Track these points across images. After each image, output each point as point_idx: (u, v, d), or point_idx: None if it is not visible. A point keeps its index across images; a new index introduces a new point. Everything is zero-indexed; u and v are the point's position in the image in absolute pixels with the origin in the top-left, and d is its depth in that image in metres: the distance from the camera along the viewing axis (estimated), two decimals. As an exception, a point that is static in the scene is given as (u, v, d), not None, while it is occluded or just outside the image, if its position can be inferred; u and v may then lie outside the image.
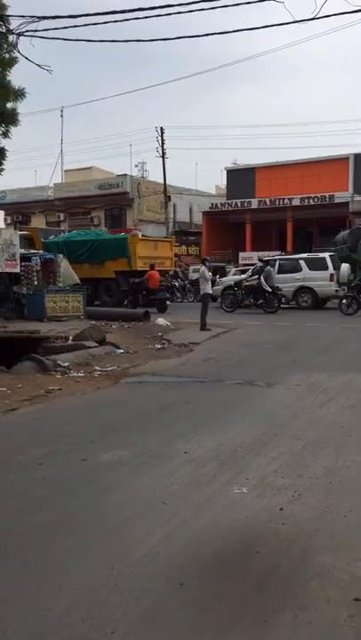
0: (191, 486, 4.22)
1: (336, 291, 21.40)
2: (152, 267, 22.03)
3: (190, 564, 3.11)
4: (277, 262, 22.58)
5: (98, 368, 9.30)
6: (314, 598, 2.78)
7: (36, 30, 10.45)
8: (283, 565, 3.09)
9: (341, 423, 5.86)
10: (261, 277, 20.27)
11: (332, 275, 21.36)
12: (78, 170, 46.26)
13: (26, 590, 2.89)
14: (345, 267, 21.98)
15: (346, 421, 5.93)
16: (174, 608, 2.72)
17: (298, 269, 21.96)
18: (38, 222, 44.52)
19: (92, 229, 32.65)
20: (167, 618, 2.65)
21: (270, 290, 20.17)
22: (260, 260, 20.77)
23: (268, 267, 20.98)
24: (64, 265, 18.96)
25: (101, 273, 23.32)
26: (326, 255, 22.20)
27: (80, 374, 8.85)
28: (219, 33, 13.25)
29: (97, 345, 11.12)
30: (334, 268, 21.52)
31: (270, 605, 2.73)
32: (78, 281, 19.41)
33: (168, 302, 21.74)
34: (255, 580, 2.95)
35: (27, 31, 10.58)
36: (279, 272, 21.87)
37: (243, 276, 23.54)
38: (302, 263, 22.15)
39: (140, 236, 24.91)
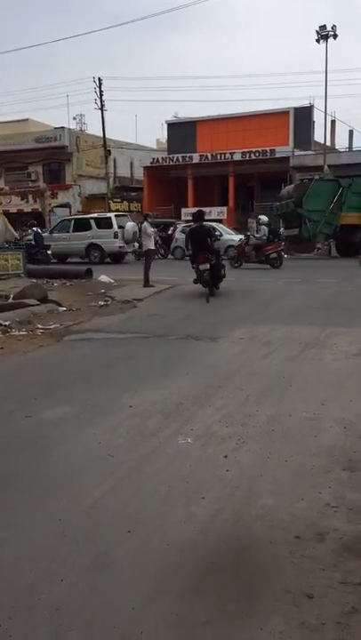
0: (136, 439, 4.26)
1: (120, 247, 24.07)
2: None
3: (136, 513, 3.17)
4: (72, 222, 25.63)
5: (40, 326, 9.16)
6: (257, 539, 2.89)
7: None
8: (227, 510, 3.18)
9: (283, 374, 6.01)
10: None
11: (115, 232, 23.84)
12: (13, 122, 44.42)
13: (-28, 546, 2.88)
14: (129, 225, 24.12)
15: (287, 372, 6.09)
16: (121, 556, 2.77)
17: (88, 227, 24.66)
18: (-28, 178, 42.85)
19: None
20: (115, 565, 2.70)
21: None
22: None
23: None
24: (1, 221, 18.41)
25: None
26: (112, 215, 25.62)
27: (22, 333, 8.70)
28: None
29: (39, 303, 10.94)
30: (119, 227, 23.89)
31: (215, 548, 2.82)
32: (17, 236, 18.93)
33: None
34: (200, 525, 3.03)
35: None
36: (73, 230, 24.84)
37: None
38: (92, 222, 24.89)
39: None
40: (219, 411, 4.84)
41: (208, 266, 12.39)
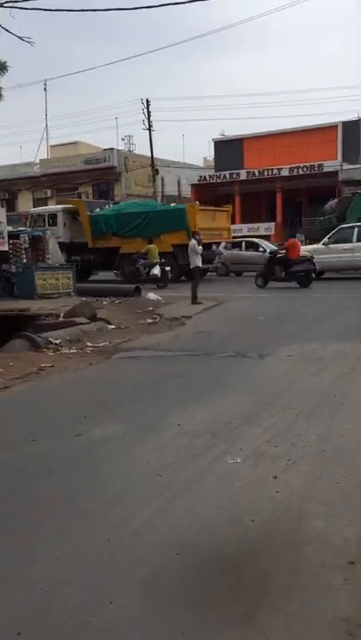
0: (185, 458, 4.24)
1: None
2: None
3: (186, 534, 3.14)
4: (355, 230, 20.64)
5: (89, 344, 9.28)
6: (308, 563, 2.82)
7: (15, 1, 10.18)
8: (277, 532, 3.12)
9: (334, 392, 5.89)
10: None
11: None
12: (64, 145, 45.71)
13: (22, 564, 2.91)
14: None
15: (339, 390, 5.96)
16: (171, 578, 2.75)
17: None
18: (25, 199, 44.15)
19: (149, 200, 31.11)
20: (165, 588, 2.67)
21: None
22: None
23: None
24: (52, 242, 18.83)
25: (157, 247, 20.81)
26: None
27: (72, 351, 8.83)
28: (203, -1, 12.94)
29: (88, 321, 11.09)
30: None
31: (266, 571, 2.76)
32: (63, 260, 19.22)
33: (313, 275, 18.44)
34: (251, 548, 2.98)
35: (6, 2, 10.31)
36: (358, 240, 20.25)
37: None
38: None
39: (198, 205, 22.97)
40: (268, 430, 4.77)
41: None
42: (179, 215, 21.70)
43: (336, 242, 20.66)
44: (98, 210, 24.03)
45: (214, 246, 23.40)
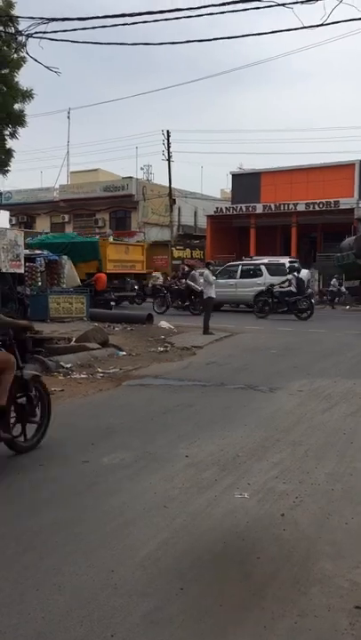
0: (192, 491, 4.21)
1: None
2: (100, 270, 22.78)
3: (191, 569, 3.10)
4: (240, 267, 24.19)
5: (100, 370, 9.29)
6: (314, 605, 2.77)
7: (44, 32, 10.42)
8: (283, 571, 3.07)
9: (344, 429, 5.84)
10: (188, 281, 21.77)
11: (290, 280, 21.87)
12: (84, 172, 46.35)
13: (24, 593, 2.88)
14: (305, 272, 23.19)
15: (348, 428, 5.92)
16: (174, 612, 2.71)
17: (259, 274, 23.24)
18: (43, 223, 44.65)
19: (70, 232, 33.30)
20: (167, 622, 2.63)
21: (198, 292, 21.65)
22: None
23: (193, 271, 22.43)
24: (68, 266, 19.00)
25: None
26: (286, 261, 24.09)
27: (82, 376, 8.85)
28: (227, 37, 13.38)
29: (100, 347, 11.12)
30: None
31: (270, 611, 2.72)
32: (79, 282, 19.47)
33: (112, 303, 21.65)
34: (255, 586, 2.93)
35: (35, 32, 10.55)
36: (241, 277, 23.52)
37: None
38: (263, 268, 23.45)
39: (111, 239, 26.40)
40: (276, 465, 4.73)
41: None
42: (92, 247, 24.01)
43: (223, 277, 23.29)
44: (29, 239, 24.92)
45: (128, 278, 25.14)
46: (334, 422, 6.16)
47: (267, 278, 22.51)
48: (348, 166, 37.54)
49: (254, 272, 23.61)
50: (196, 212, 44.81)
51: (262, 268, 23.54)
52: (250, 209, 38.28)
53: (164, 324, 16.00)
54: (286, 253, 37.02)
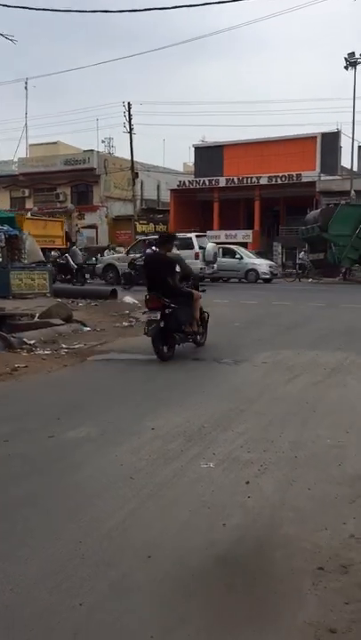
0: (158, 462, 4.24)
1: (201, 268, 22.91)
2: None
3: (157, 538, 3.14)
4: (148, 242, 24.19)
5: (64, 346, 9.23)
6: (278, 568, 2.84)
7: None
8: (248, 537, 3.14)
9: (306, 399, 5.95)
10: (67, 256, 23.17)
11: (197, 253, 22.97)
12: (44, 145, 45.37)
13: (-8, 566, 2.88)
14: (210, 246, 24.03)
15: (311, 397, 6.02)
16: (141, 580, 2.75)
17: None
18: (2, 198, 43.70)
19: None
20: (135, 590, 2.67)
21: (76, 267, 23.58)
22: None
23: (74, 247, 24.20)
24: (29, 242, 18.68)
25: None
26: (193, 235, 24.31)
27: (46, 352, 8.77)
28: (188, 6, 13.04)
29: (64, 323, 11.02)
30: (200, 248, 23.33)
31: (235, 576, 2.78)
32: (43, 258, 19.19)
33: None
34: (221, 552, 2.99)
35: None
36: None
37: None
38: None
39: (28, 215, 27.54)
40: (241, 435, 4.80)
41: (159, 315, 7.98)
42: (8, 222, 23.96)
43: (134, 252, 24.04)
44: None
45: (49, 252, 25.19)
46: (297, 392, 6.27)
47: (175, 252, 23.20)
48: (310, 139, 37.70)
49: None
50: (159, 186, 44.46)
51: None
52: (213, 182, 38.18)
53: (128, 299, 15.93)
54: (250, 227, 37.19)
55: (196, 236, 24.36)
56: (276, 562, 2.90)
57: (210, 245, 24.12)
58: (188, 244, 23.17)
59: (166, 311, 8.02)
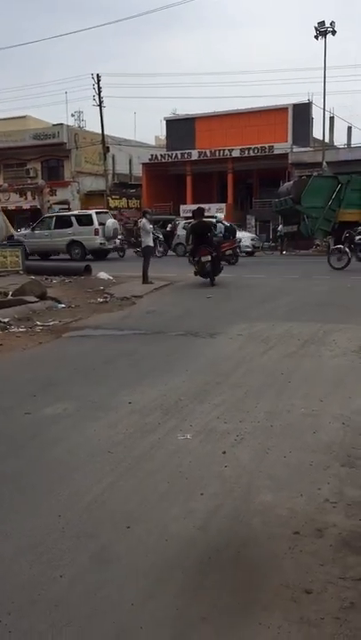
0: (136, 435, 4.27)
1: (101, 243, 24.32)
2: None
3: (136, 509, 3.18)
4: (54, 219, 25.68)
5: (39, 323, 9.17)
6: (256, 535, 2.90)
7: None
8: (226, 505, 3.19)
9: (281, 370, 6.02)
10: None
11: (96, 229, 24.03)
12: (11, 119, 44.34)
13: (-28, 542, 2.89)
14: (110, 222, 24.84)
15: (285, 368, 6.09)
16: (122, 551, 2.78)
17: (70, 225, 24.70)
18: (-29, 174, 42.76)
19: None
20: (115, 560, 2.71)
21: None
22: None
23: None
24: (0, 219, 18.40)
25: None
26: (93, 212, 25.59)
27: (21, 329, 8.71)
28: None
29: (37, 300, 10.94)
30: (100, 224, 24.25)
31: (214, 544, 2.83)
32: (13, 232, 18.95)
33: None
34: (199, 521, 3.04)
35: None
36: (55, 227, 25.00)
37: None
38: (73, 219, 24.92)
39: None
40: (217, 407, 4.85)
41: (210, 257, 13.69)
42: None
43: (40, 229, 25.22)
44: None
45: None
46: (272, 364, 6.33)
47: (76, 229, 24.21)
48: (282, 110, 37.52)
49: (67, 223, 25.00)
50: (130, 161, 43.94)
51: (72, 219, 25.11)
52: (185, 156, 37.90)
53: (102, 275, 15.83)
54: (223, 200, 37.11)
55: (96, 213, 25.55)
56: (253, 528, 2.96)
57: (109, 221, 25.03)
58: (88, 221, 24.45)
59: (213, 254, 13.84)
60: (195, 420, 4.53)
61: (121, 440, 4.18)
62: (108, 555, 2.76)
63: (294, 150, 35.10)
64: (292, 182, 28.25)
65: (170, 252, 26.90)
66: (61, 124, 42.01)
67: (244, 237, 27.35)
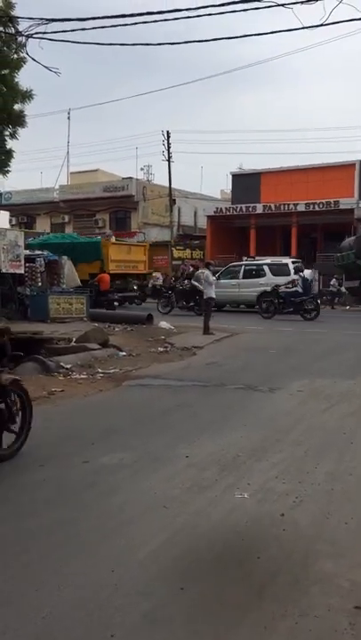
0: (192, 490, 4.21)
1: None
2: (102, 270, 22.87)
3: (191, 569, 3.10)
4: (242, 267, 24.29)
5: (100, 370, 9.29)
6: (314, 605, 2.77)
7: (44, 32, 10.43)
8: (283, 571, 3.08)
9: (344, 429, 5.84)
10: (193, 281, 21.44)
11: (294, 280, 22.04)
12: (84, 172, 46.34)
13: (25, 593, 2.88)
14: (308, 272, 23.00)
15: (348, 428, 5.92)
16: (174, 612, 2.71)
17: (262, 275, 23.18)
18: (43, 224, 44.65)
19: (71, 233, 33.40)
20: (167, 622, 2.64)
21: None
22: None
23: (198, 271, 22.10)
24: (68, 266, 19.00)
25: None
26: (289, 261, 24.06)
27: (82, 376, 8.85)
28: (227, 38, 13.33)
29: (100, 347, 11.12)
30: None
31: (270, 611, 2.72)
32: (80, 283, 19.47)
33: (116, 304, 22.06)
34: (256, 586, 2.93)
35: (36, 33, 10.55)
36: (244, 277, 23.63)
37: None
38: (266, 268, 23.39)
39: (113, 240, 26.57)
40: (276, 465, 4.73)
41: None
42: (94, 247, 24.08)
43: (225, 278, 23.57)
44: (30, 239, 24.79)
45: (129, 279, 25.33)
46: (334, 422, 6.16)
47: (270, 278, 22.44)
48: (349, 166, 37.53)
49: (257, 272, 23.63)
50: (196, 213, 44.79)
51: (265, 268, 23.57)
52: (250, 209, 38.27)
53: (164, 324, 16.00)
54: (286, 253, 37.01)
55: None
56: (312, 598, 2.83)
57: (308, 272, 23.03)
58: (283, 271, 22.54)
59: None
60: (252, 478, 4.43)
61: (177, 495, 4.13)
62: (160, 615, 2.69)
63: (360, 206, 34.91)
64: (354, 237, 28.03)
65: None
66: (131, 177, 43.51)
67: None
